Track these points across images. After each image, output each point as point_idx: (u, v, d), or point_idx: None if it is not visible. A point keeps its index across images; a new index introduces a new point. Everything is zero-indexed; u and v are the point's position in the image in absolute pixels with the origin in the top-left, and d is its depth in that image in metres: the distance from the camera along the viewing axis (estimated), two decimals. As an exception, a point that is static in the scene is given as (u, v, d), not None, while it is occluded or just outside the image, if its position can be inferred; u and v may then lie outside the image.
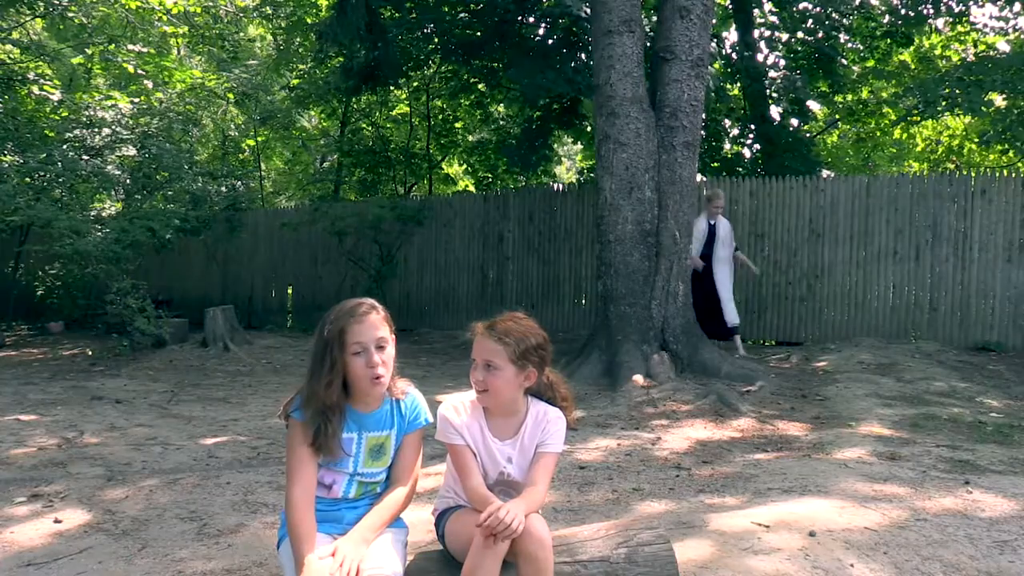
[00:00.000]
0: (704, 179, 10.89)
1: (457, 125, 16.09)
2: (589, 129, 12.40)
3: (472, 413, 2.25)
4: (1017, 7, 12.59)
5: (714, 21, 10.14)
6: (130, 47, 12.12)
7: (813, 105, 13.92)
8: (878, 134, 15.60)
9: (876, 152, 16.66)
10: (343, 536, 2.09)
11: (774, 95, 12.78)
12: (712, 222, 8.14)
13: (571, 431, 5.27)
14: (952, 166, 16.22)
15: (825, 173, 12.17)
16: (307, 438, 2.12)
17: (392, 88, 13.66)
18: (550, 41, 11.19)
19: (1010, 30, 13.65)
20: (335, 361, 2.11)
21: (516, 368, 2.19)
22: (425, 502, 2.46)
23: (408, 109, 15.91)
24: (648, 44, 8.66)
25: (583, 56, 10.63)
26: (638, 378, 6.66)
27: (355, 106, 15.10)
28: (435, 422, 2.28)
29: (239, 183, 13.07)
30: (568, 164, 21.68)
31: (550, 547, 2.06)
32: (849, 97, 14.88)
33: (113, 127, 10.39)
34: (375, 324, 2.12)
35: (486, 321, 2.24)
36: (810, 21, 12.88)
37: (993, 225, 8.64)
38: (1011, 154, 12.80)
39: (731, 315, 8.18)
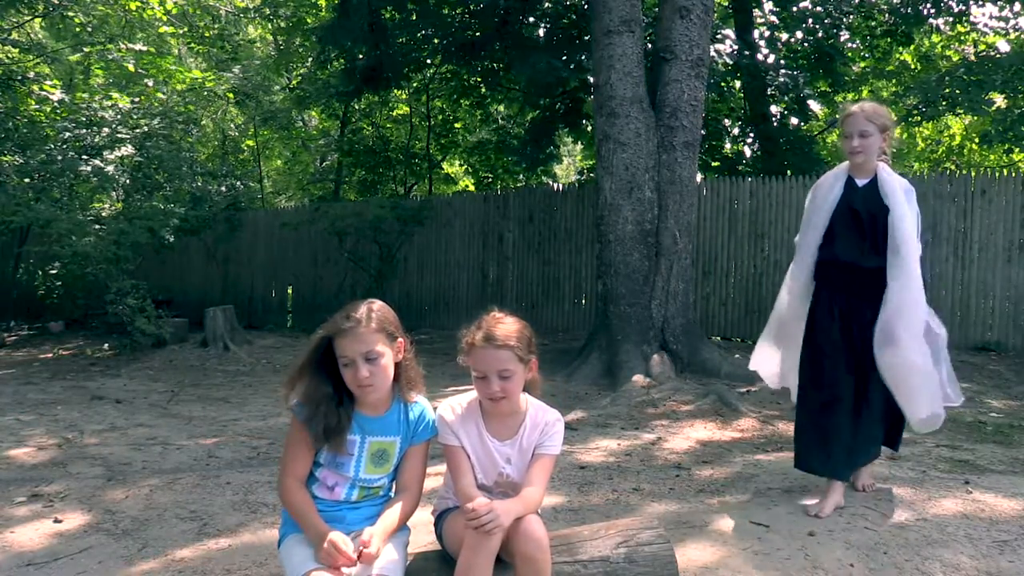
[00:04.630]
0: (703, 178, 10.89)
1: (457, 125, 16.08)
2: (589, 129, 12.40)
3: (469, 414, 2.25)
4: (1017, 7, 12.59)
5: (715, 20, 10.13)
6: (129, 46, 12.11)
7: (813, 105, 13.92)
8: (878, 134, 15.57)
9: (876, 152, 16.62)
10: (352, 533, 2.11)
11: (775, 94, 12.78)
12: (861, 181, 3.42)
13: (570, 430, 5.27)
14: (952, 166, 16.21)
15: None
16: (303, 433, 2.14)
17: (393, 89, 13.68)
18: (554, 40, 11.21)
19: (1010, 30, 13.64)
20: (317, 367, 2.13)
21: (523, 366, 2.20)
22: (425, 503, 2.46)
23: (408, 109, 15.90)
24: (648, 44, 8.67)
25: (584, 56, 10.63)
26: (638, 378, 6.67)
27: (355, 106, 15.10)
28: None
29: (239, 183, 13.06)
30: (568, 162, 21.66)
31: (547, 548, 2.07)
32: (850, 96, 14.88)
33: (113, 127, 10.39)
34: (362, 338, 2.08)
35: (478, 333, 2.19)
36: (810, 20, 12.88)
37: (993, 225, 8.63)
38: (1015, 153, 12.80)
39: (939, 394, 3.36)
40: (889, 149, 3.45)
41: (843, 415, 3.33)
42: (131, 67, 11.69)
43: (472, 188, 16.75)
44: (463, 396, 2.30)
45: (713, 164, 12.90)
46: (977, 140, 14.21)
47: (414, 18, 11.45)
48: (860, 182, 3.41)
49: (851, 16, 13.10)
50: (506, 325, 2.21)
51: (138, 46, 12.33)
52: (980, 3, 12.78)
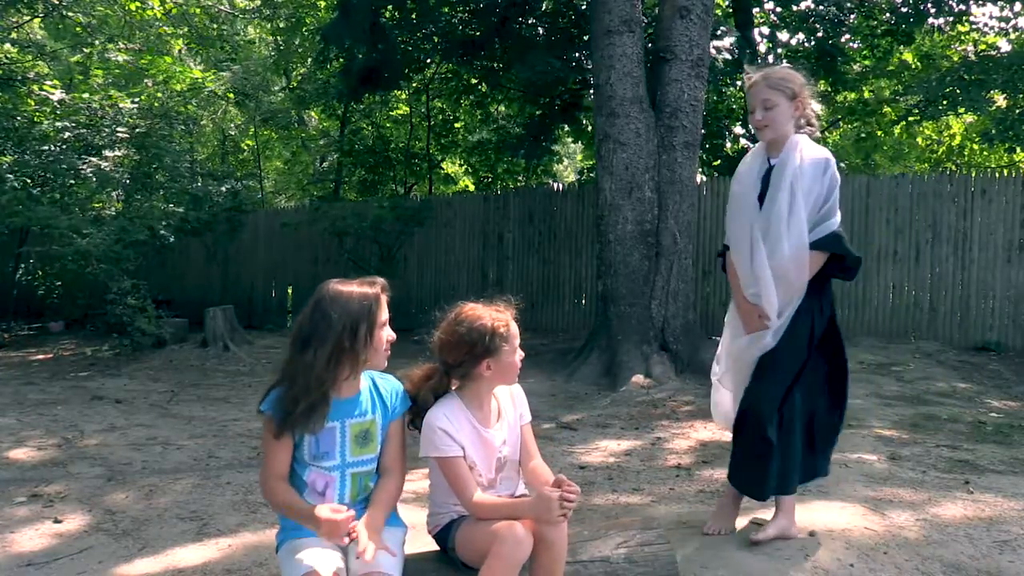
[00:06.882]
0: (703, 179, 10.88)
1: (457, 125, 16.09)
2: (589, 129, 12.40)
3: (459, 414, 2.25)
4: (1017, 7, 12.59)
5: (714, 20, 10.13)
6: (129, 45, 12.10)
7: (814, 104, 13.90)
8: (879, 134, 15.59)
9: (877, 152, 16.64)
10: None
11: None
12: (774, 159, 2.87)
13: (570, 430, 5.27)
14: (952, 166, 16.21)
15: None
16: (280, 431, 2.13)
17: (393, 89, 13.66)
18: (553, 38, 11.22)
19: (1010, 30, 13.65)
20: (366, 339, 2.15)
21: None
22: (425, 503, 2.46)
23: (408, 109, 15.90)
24: (648, 44, 8.67)
25: (583, 55, 10.64)
26: (638, 378, 6.67)
27: (355, 106, 15.09)
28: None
29: (240, 184, 13.05)
30: (568, 162, 21.67)
31: (566, 534, 2.11)
32: (850, 96, 14.87)
33: (112, 127, 10.38)
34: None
35: (513, 311, 2.32)
36: (811, 19, 12.87)
37: (993, 225, 8.64)
38: (1016, 153, 12.79)
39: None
40: (813, 115, 2.90)
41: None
42: (131, 66, 11.67)
43: (472, 188, 16.75)
44: (443, 402, 2.27)
45: (714, 164, 12.89)
46: (977, 140, 14.20)
47: (414, 18, 11.45)
48: (773, 161, 2.80)
49: (852, 15, 13.09)
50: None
51: (136, 45, 12.31)
52: (980, 3, 12.77)
